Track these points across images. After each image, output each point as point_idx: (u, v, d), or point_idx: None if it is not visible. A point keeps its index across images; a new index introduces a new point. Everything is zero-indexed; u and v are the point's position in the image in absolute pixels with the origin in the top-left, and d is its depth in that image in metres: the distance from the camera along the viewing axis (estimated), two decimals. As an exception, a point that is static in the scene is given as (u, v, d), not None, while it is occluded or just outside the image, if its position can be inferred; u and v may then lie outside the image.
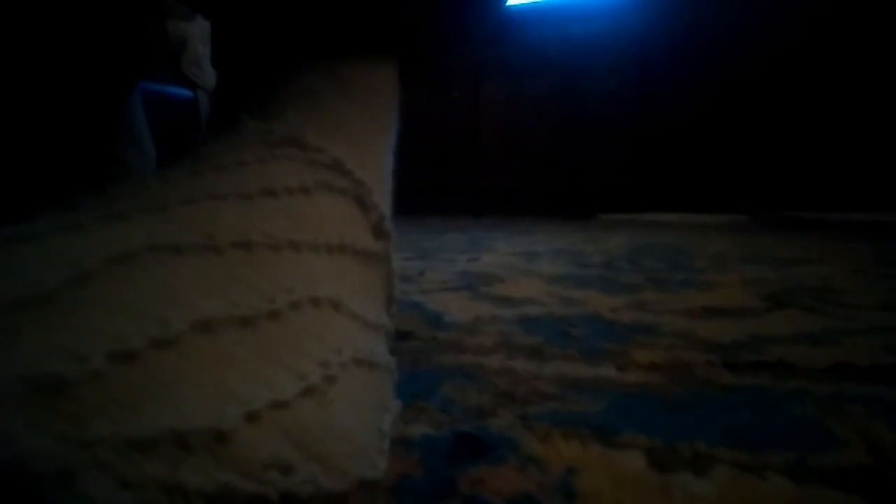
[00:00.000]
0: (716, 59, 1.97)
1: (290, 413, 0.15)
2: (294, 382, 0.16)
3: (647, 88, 2.09)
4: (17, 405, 0.12)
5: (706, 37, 1.97)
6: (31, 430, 0.11)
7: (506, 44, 2.22)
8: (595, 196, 2.17)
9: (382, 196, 0.26)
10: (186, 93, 1.81)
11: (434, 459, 0.23)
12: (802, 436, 0.25)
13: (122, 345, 0.13)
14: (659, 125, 2.08)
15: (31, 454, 0.11)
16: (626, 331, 0.43)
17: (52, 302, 0.14)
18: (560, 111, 2.22)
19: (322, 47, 0.27)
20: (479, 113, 2.33)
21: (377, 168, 0.27)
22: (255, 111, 0.25)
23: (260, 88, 0.26)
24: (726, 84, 1.96)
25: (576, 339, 0.41)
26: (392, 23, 0.28)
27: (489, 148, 2.34)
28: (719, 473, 0.22)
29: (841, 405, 0.28)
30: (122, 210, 0.18)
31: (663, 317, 0.48)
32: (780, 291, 0.59)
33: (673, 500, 0.20)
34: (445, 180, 2.37)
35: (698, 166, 2.03)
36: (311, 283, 0.19)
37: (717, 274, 0.73)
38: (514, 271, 0.75)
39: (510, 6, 2.19)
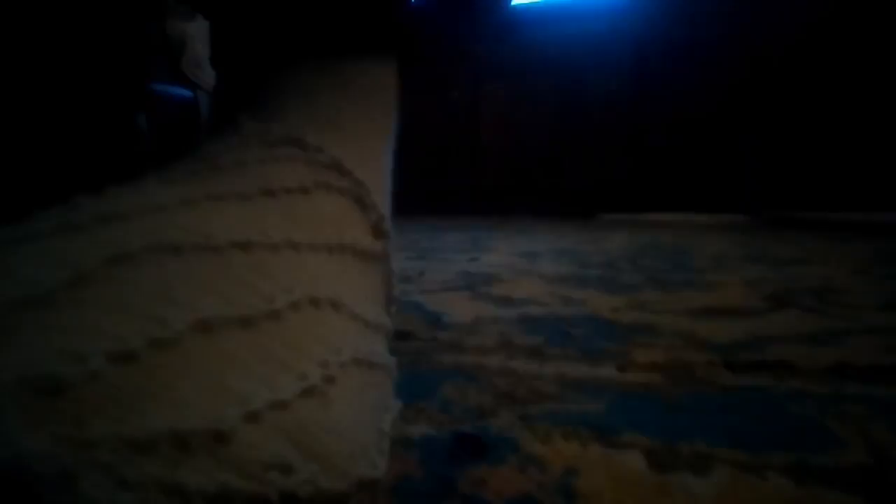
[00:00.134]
0: (715, 58, 1.97)
1: (289, 413, 0.15)
2: (294, 382, 0.16)
3: (647, 88, 2.09)
4: (17, 406, 0.12)
5: (705, 37, 1.97)
6: (30, 431, 0.11)
7: (506, 44, 2.22)
8: (595, 196, 2.17)
9: (382, 196, 0.26)
10: (186, 93, 1.81)
11: (434, 459, 0.23)
12: (802, 436, 0.25)
13: (122, 345, 0.13)
14: (659, 125, 2.08)
15: (31, 455, 0.11)
16: (626, 331, 0.43)
17: (52, 302, 0.14)
18: (560, 111, 2.22)
19: (321, 47, 0.27)
20: (479, 113, 2.33)
21: (376, 168, 0.27)
22: (253, 111, 0.25)
23: (259, 89, 0.26)
24: (726, 84, 1.96)
25: (576, 339, 0.41)
26: (391, 22, 0.28)
27: (489, 148, 2.34)
28: (719, 473, 0.22)
29: (841, 405, 0.28)
30: (121, 210, 0.18)
31: (663, 317, 0.48)
32: (780, 291, 0.59)
33: (673, 500, 0.20)
34: (445, 180, 2.37)
35: (698, 166, 2.02)
36: (311, 283, 0.19)
37: (718, 274, 0.73)
38: (515, 271, 0.75)
39: (511, 6, 2.19)
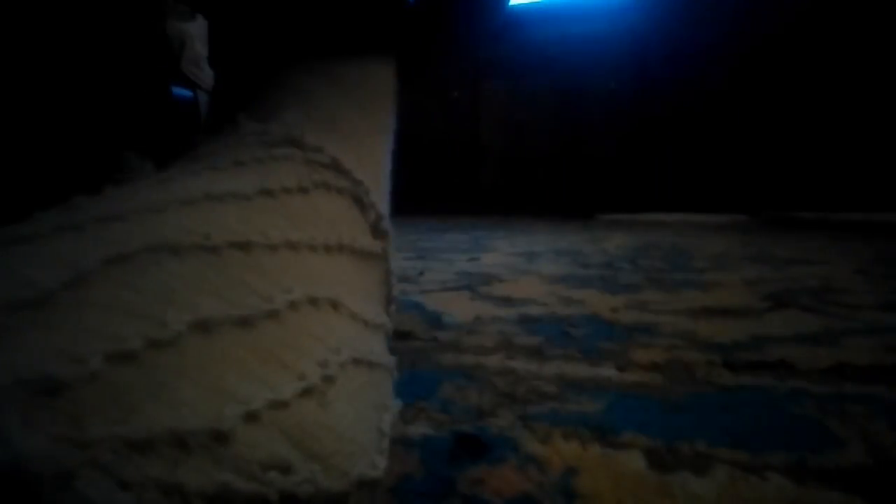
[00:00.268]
0: (715, 58, 1.97)
1: (289, 413, 0.15)
2: (293, 382, 0.16)
3: (647, 88, 2.09)
4: (16, 407, 0.12)
5: (705, 36, 1.97)
6: (29, 431, 0.11)
7: (506, 44, 2.22)
8: (595, 196, 2.17)
9: (380, 195, 0.26)
10: (186, 93, 1.81)
11: (434, 459, 0.23)
12: (802, 436, 0.25)
13: (121, 345, 0.13)
14: (659, 124, 2.08)
15: (30, 456, 0.11)
16: (626, 331, 0.43)
17: (50, 303, 0.14)
18: (560, 111, 2.22)
19: (320, 47, 0.27)
20: (479, 113, 2.33)
21: (375, 167, 0.27)
22: (252, 111, 0.25)
23: (257, 88, 0.26)
24: (726, 83, 1.96)
25: (576, 339, 0.41)
26: (391, 22, 0.28)
27: (489, 148, 2.34)
28: (719, 473, 0.22)
29: (841, 405, 0.28)
30: (119, 211, 0.18)
31: (663, 317, 0.48)
32: (780, 291, 0.59)
33: (673, 500, 0.20)
34: (445, 180, 2.37)
35: (698, 166, 2.02)
36: (310, 282, 0.19)
37: (718, 274, 0.73)
38: (514, 271, 0.75)
39: (511, 6, 2.19)
